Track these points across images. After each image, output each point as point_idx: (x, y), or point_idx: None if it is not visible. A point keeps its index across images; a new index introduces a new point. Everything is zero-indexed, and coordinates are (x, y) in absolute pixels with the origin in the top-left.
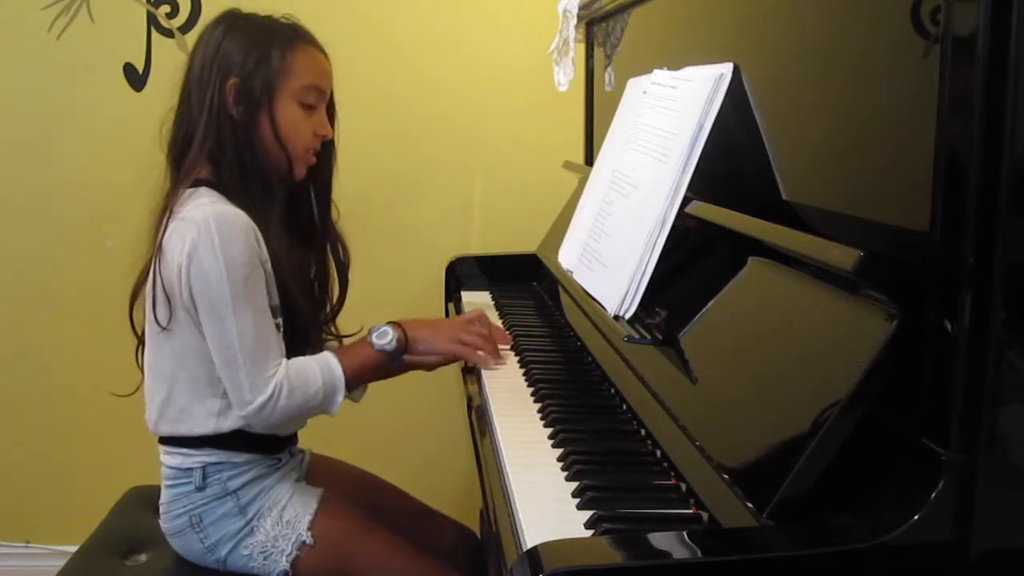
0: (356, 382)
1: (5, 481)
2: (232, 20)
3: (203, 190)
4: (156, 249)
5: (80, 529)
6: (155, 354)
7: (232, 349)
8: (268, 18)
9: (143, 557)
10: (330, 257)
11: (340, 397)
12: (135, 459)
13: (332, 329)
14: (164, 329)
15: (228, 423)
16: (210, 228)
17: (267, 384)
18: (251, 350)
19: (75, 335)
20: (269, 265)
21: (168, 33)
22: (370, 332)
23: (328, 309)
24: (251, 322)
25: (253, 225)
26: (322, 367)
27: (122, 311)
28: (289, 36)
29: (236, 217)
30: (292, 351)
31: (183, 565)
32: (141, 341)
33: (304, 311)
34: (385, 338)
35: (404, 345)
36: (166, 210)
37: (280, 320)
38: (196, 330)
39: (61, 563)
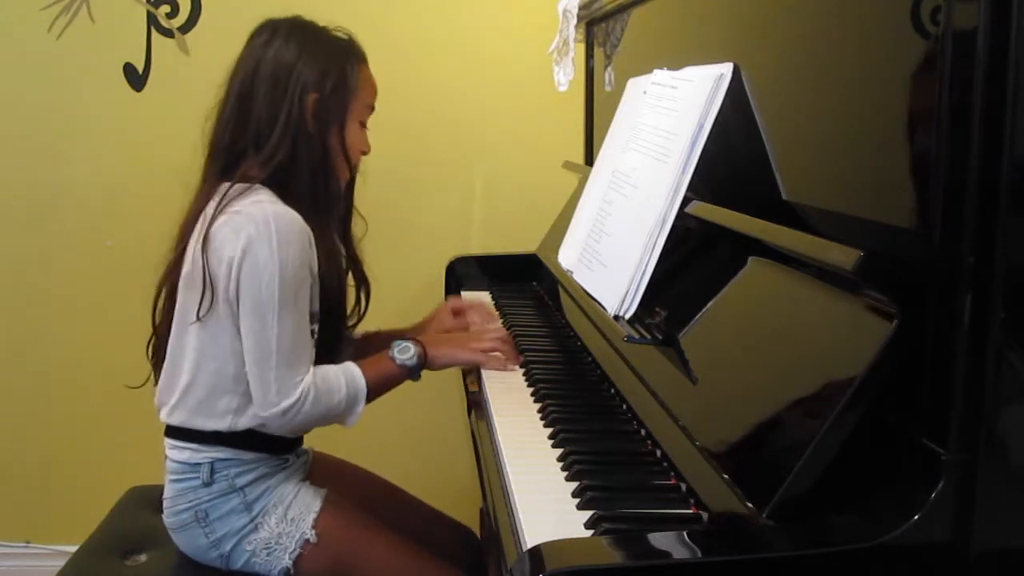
0: (376, 394)
1: (5, 481)
2: (300, 32)
3: (259, 187)
4: (203, 240)
5: (80, 529)
6: (180, 344)
7: (268, 348)
8: (326, 30)
9: (143, 557)
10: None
11: (360, 408)
12: (135, 459)
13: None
14: (197, 320)
15: (243, 421)
16: (269, 226)
17: (295, 389)
18: (287, 352)
19: (75, 335)
20: (317, 271)
21: (168, 33)
22: (392, 346)
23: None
24: (292, 325)
25: (308, 230)
26: (347, 378)
27: (122, 310)
28: (356, 55)
29: (294, 220)
30: (321, 354)
31: (184, 565)
32: (155, 333)
33: (343, 318)
34: (407, 353)
35: (424, 361)
36: (203, 205)
37: (315, 327)
38: (232, 325)
39: (61, 563)
